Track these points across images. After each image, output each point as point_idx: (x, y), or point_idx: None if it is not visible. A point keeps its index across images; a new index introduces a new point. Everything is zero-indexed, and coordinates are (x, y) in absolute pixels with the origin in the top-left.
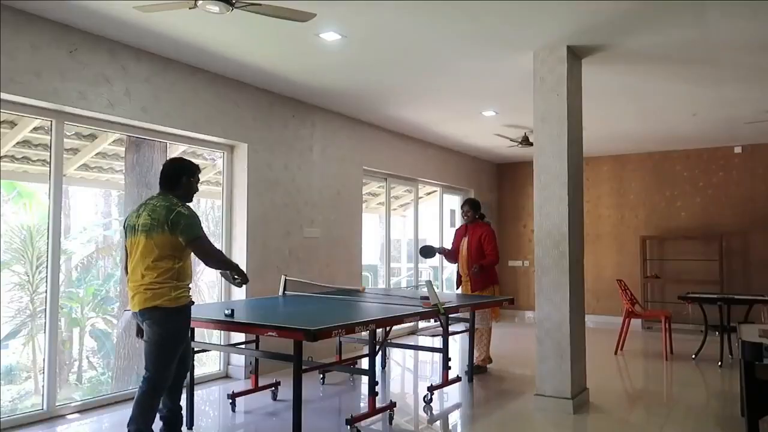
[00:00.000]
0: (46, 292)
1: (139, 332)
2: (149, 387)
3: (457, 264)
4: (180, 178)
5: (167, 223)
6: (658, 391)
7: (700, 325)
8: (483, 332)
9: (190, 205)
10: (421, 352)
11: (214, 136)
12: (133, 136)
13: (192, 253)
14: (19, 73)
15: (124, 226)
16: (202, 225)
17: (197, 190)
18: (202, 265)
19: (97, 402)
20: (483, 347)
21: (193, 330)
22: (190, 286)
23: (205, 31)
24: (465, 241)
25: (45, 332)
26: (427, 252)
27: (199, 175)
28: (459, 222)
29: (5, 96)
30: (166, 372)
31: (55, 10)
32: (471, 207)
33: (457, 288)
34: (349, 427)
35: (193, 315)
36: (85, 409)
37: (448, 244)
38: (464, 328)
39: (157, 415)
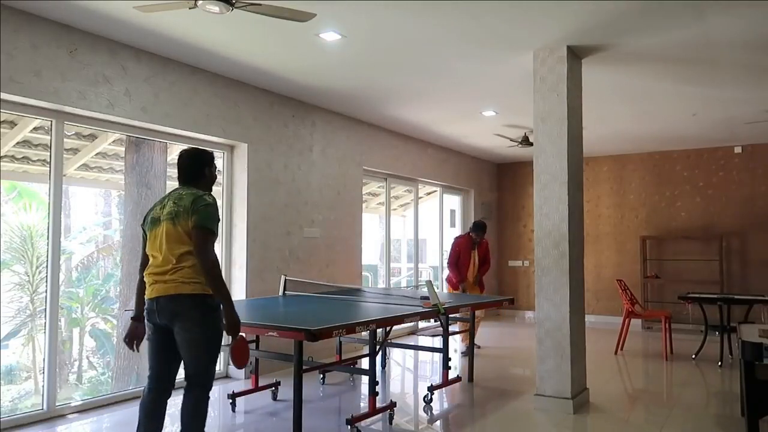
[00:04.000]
0: (46, 292)
1: (132, 336)
2: (202, 392)
3: (452, 272)
4: (202, 169)
5: (192, 209)
6: (658, 391)
7: (700, 325)
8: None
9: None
10: (421, 352)
11: (214, 136)
12: (133, 136)
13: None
14: (19, 73)
15: (144, 221)
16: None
17: (216, 177)
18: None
19: (97, 402)
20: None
21: None
22: None
23: (205, 31)
24: (474, 254)
25: (45, 332)
26: (481, 226)
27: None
28: (458, 223)
29: (5, 96)
30: (213, 370)
31: (55, 10)
32: (483, 231)
33: (456, 289)
34: (349, 427)
35: None
36: (85, 409)
37: (449, 245)
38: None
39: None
